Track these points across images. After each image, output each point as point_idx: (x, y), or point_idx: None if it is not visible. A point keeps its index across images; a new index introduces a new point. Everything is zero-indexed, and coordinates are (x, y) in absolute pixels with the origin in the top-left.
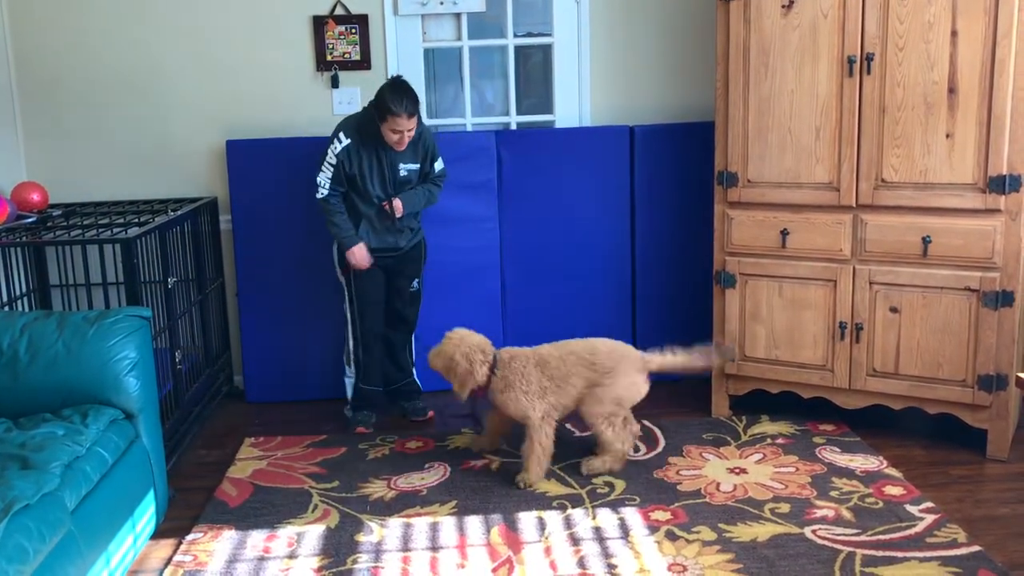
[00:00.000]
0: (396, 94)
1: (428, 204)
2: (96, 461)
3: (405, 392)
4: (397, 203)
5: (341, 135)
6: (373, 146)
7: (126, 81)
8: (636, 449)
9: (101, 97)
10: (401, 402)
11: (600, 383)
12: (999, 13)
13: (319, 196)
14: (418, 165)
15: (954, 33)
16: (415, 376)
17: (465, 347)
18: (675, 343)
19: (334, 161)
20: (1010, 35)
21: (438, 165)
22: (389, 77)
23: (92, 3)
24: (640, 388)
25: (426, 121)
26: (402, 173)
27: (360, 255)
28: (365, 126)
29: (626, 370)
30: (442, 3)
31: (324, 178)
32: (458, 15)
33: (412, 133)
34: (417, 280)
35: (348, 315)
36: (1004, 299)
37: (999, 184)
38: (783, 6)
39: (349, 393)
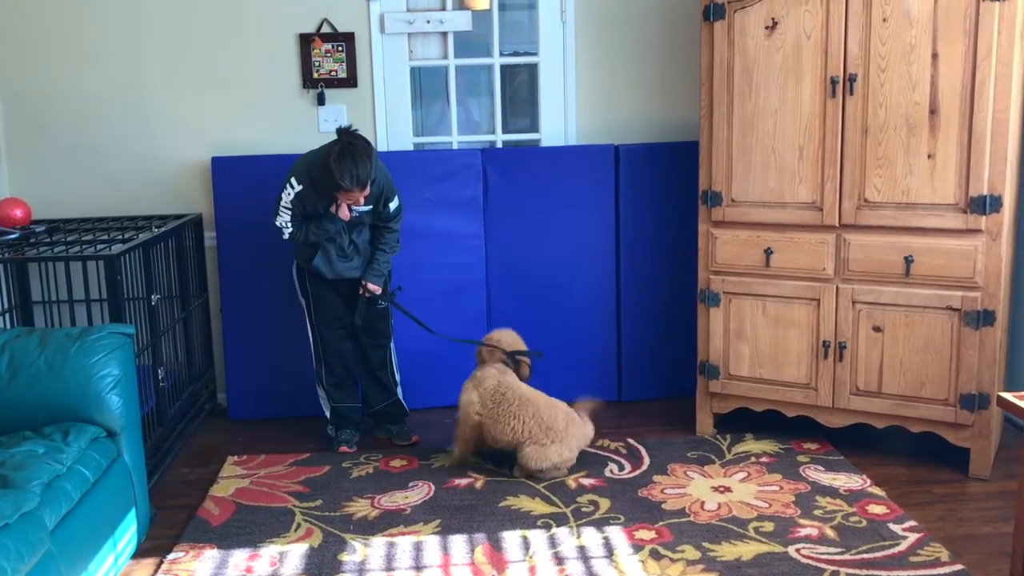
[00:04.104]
0: (343, 164)
1: (393, 253)
2: (77, 480)
3: (389, 414)
4: (372, 287)
5: (294, 180)
6: (325, 191)
7: (111, 96)
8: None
9: (85, 112)
10: (386, 424)
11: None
12: (979, 36)
13: (285, 238)
14: (371, 207)
15: (935, 55)
16: (400, 396)
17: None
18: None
19: (289, 207)
20: (990, 58)
21: (392, 204)
22: (339, 127)
23: (77, 18)
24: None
25: (413, 139)
26: (353, 214)
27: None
28: (318, 172)
29: (574, 434)
30: (429, 22)
31: (283, 220)
32: (444, 34)
33: (368, 193)
34: (383, 299)
35: (310, 336)
36: (985, 318)
37: (980, 204)
38: (767, 27)
39: (327, 413)
